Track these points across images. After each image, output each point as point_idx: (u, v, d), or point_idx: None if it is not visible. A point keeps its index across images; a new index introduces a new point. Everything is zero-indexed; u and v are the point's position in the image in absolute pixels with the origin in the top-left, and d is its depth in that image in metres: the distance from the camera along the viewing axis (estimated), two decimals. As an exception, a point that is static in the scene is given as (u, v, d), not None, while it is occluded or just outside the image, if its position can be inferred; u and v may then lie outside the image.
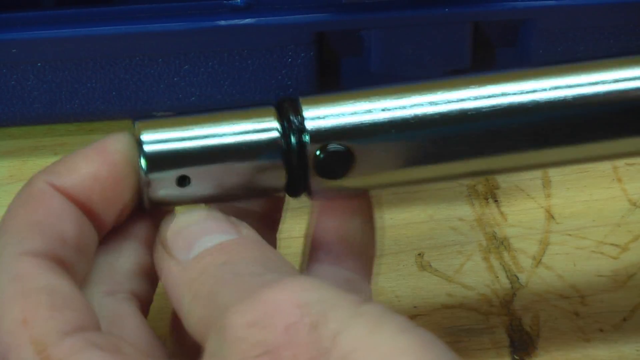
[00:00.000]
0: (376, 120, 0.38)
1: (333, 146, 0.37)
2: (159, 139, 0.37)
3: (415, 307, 0.48)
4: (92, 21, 0.52)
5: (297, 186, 0.38)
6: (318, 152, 0.37)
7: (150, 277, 0.38)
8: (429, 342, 0.29)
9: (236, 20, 0.52)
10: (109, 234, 0.38)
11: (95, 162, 0.36)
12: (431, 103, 0.38)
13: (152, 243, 0.37)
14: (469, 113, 0.38)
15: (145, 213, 0.38)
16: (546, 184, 0.54)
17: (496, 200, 0.53)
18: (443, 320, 0.48)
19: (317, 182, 0.38)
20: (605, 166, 0.54)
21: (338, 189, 0.38)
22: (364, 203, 0.40)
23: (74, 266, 0.35)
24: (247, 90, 0.54)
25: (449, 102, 0.38)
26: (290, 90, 0.54)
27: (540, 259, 0.51)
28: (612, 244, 0.51)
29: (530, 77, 0.38)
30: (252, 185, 0.38)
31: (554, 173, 0.54)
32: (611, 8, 0.52)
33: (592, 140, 0.39)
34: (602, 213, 0.52)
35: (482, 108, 0.38)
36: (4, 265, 0.34)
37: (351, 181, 0.38)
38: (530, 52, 0.54)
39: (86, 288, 0.36)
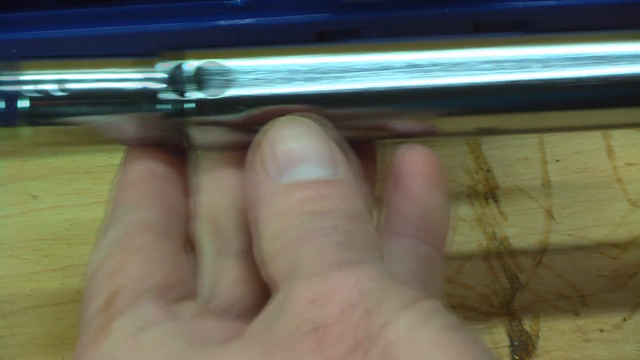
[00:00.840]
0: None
1: (207, 62, 0.39)
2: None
3: (415, 307, 0.48)
4: (92, 21, 0.52)
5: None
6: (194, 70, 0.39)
7: None
8: (470, 342, 0.30)
9: (236, 20, 0.52)
10: None
11: None
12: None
13: None
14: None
15: None
16: (546, 184, 0.54)
17: (496, 200, 0.53)
18: (443, 320, 0.48)
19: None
20: (605, 166, 0.54)
21: (218, 121, 0.38)
22: (441, 173, 0.39)
23: (180, 231, 0.38)
24: (247, 90, 0.54)
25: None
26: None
27: (540, 259, 0.51)
28: (612, 244, 0.51)
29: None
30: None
31: (554, 173, 0.54)
32: (611, 8, 0.52)
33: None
34: (602, 213, 0.52)
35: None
36: (115, 229, 0.37)
37: (229, 102, 0.38)
38: (530, 52, 0.54)
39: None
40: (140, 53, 0.48)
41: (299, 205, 0.34)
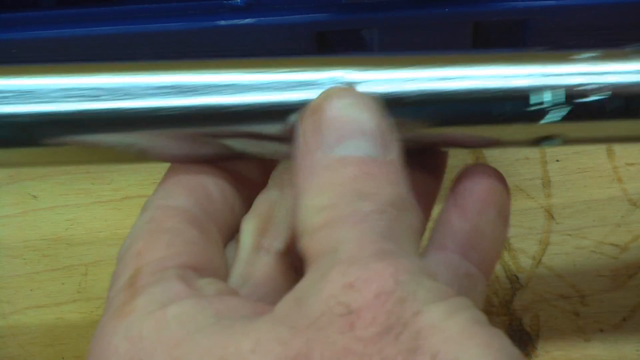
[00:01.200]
0: None
1: None
2: None
3: (415, 307, 0.48)
4: (92, 21, 0.52)
5: None
6: None
7: None
8: (496, 335, 0.31)
9: (236, 20, 0.52)
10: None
11: None
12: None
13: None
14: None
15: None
16: (546, 184, 0.54)
17: (496, 200, 0.53)
18: (443, 320, 0.48)
19: None
20: (606, 166, 0.54)
21: None
22: (501, 196, 0.39)
23: (217, 221, 0.38)
24: (247, 90, 0.54)
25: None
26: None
27: (540, 259, 0.51)
28: (612, 244, 0.51)
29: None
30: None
31: (554, 173, 0.54)
32: (611, 8, 0.52)
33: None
34: (602, 213, 0.52)
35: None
36: (146, 211, 0.38)
37: None
38: (530, 52, 0.54)
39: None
40: (139, 54, 0.48)
41: (348, 182, 0.34)
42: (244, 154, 0.39)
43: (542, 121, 0.38)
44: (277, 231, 0.39)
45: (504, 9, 0.52)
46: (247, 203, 0.40)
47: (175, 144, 0.39)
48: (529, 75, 0.39)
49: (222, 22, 0.52)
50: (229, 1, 0.52)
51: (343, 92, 0.36)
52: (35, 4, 0.52)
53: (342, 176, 0.34)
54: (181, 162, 0.39)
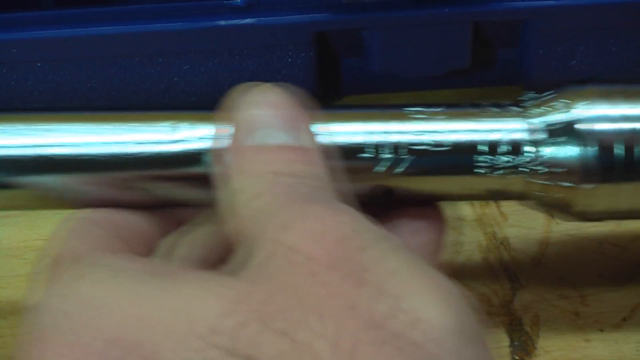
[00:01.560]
0: None
1: None
2: None
3: (415, 307, 0.48)
4: (92, 21, 0.52)
5: None
6: None
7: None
8: (452, 284, 0.32)
9: (236, 20, 0.52)
10: None
11: None
12: None
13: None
14: None
15: None
16: (546, 184, 0.54)
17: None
18: (443, 320, 0.48)
19: None
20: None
21: None
22: (434, 217, 0.41)
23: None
24: (247, 90, 0.54)
25: None
26: (290, 90, 0.54)
27: (540, 259, 0.51)
28: (612, 244, 0.51)
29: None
30: None
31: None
32: (611, 8, 0.52)
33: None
34: (602, 213, 0.52)
35: None
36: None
37: None
38: (530, 52, 0.54)
39: None
40: (139, 54, 0.48)
41: (264, 165, 0.35)
42: (173, 202, 0.41)
43: (379, 172, 0.41)
44: (188, 245, 0.39)
45: (504, 9, 0.52)
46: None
47: (95, 188, 0.40)
48: (372, 132, 0.41)
49: (222, 22, 0.52)
50: (229, 1, 0.52)
51: (252, 92, 0.38)
52: (35, 4, 0.52)
53: (258, 161, 0.35)
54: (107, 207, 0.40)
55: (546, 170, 0.43)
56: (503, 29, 0.54)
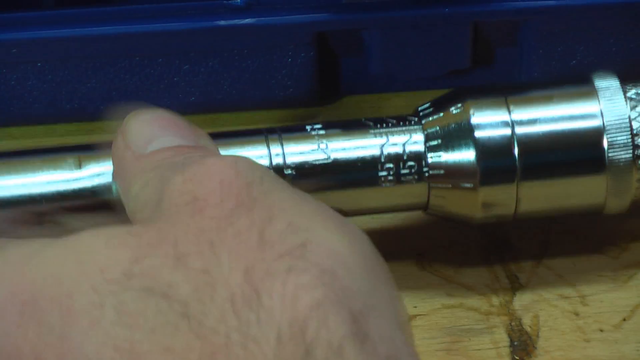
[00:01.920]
0: None
1: None
2: None
3: (415, 307, 0.48)
4: (92, 21, 0.52)
5: None
6: None
7: None
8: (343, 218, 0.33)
9: (236, 20, 0.52)
10: None
11: None
12: None
13: None
14: None
15: None
16: (546, 184, 0.54)
17: (496, 200, 0.53)
18: (443, 320, 0.48)
19: None
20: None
21: None
22: None
23: None
24: (247, 90, 0.54)
25: None
26: (290, 90, 0.54)
27: (541, 259, 0.51)
28: (612, 244, 0.51)
29: None
30: None
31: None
32: (611, 8, 0.52)
33: None
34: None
35: None
36: None
37: None
38: (530, 52, 0.54)
39: None
40: (139, 54, 0.48)
41: (165, 159, 0.36)
42: None
43: None
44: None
45: (504, 9, 0.52)
46: None
47: (9, 225, 0.41)
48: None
49: (222, 22, 0.52)
50: (229, 1, 0.52)
51: (136, 115, 0.39)
52: (35, 4, 0.52)
53: (157, 160, 0.36)
54: None
55: (446, 178, 0.45)
56: (503, 29, 0.54)
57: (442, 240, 0.51)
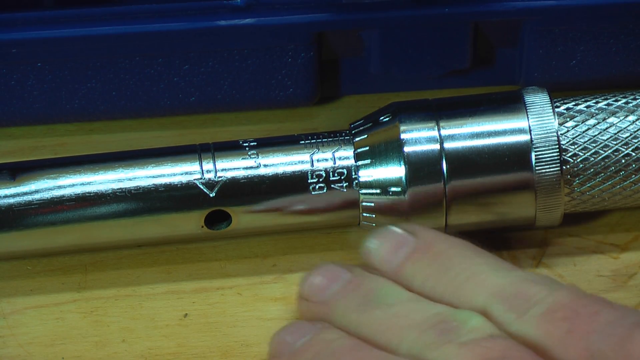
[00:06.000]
0: None
1: None
2: None
3: (415, 307, 0.48)
4: (92, 21, 0.52)
5: None
6: None
7: None
8: None
9: (236, 20, 0.52)
10: None
11: None
12: None
13: None
14: None
15: None
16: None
17: (496, 200, 0.53)
18: (443, 320, 0.48)
19: None
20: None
21: None
22: None
23: None
24: (247, 90, 0.54)
25: None
26: (290, 90, 0.54)
27: (540, 259, 0.51)
28: (612, 244, 0.51)
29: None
30: None
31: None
32: (611, 8, 0.52)
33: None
34: (602, 213, 0.52)
35: None
36: None
37: None
38: (530, 52, 0.54)
39: None
40: (139, 54, 0.48)
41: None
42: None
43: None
44: None
45: (503, 9, 0.52)
46: None
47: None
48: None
49: (222, 22, 0.52)
50: (229, 1, 0.52)
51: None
52: (35, 4, 0.52)
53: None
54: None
55: (376, 192, 0.46)
56: (503, 29, 0.54)
57: (442, 240, 0.51)
